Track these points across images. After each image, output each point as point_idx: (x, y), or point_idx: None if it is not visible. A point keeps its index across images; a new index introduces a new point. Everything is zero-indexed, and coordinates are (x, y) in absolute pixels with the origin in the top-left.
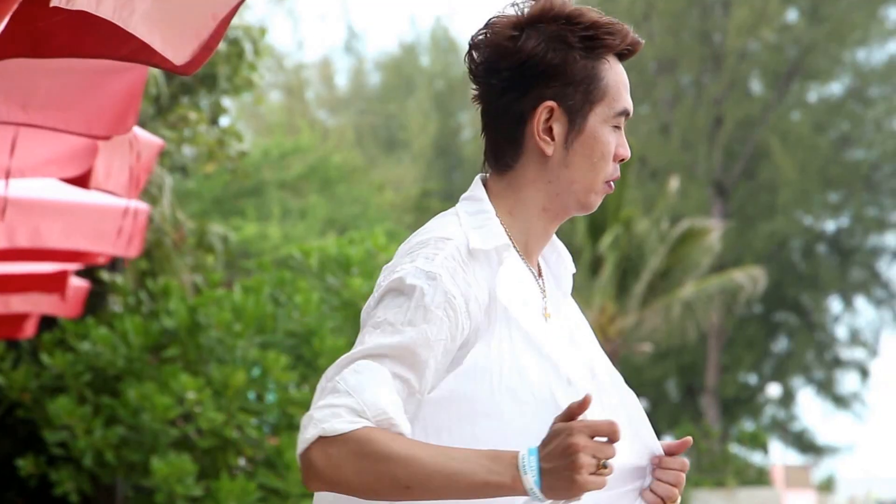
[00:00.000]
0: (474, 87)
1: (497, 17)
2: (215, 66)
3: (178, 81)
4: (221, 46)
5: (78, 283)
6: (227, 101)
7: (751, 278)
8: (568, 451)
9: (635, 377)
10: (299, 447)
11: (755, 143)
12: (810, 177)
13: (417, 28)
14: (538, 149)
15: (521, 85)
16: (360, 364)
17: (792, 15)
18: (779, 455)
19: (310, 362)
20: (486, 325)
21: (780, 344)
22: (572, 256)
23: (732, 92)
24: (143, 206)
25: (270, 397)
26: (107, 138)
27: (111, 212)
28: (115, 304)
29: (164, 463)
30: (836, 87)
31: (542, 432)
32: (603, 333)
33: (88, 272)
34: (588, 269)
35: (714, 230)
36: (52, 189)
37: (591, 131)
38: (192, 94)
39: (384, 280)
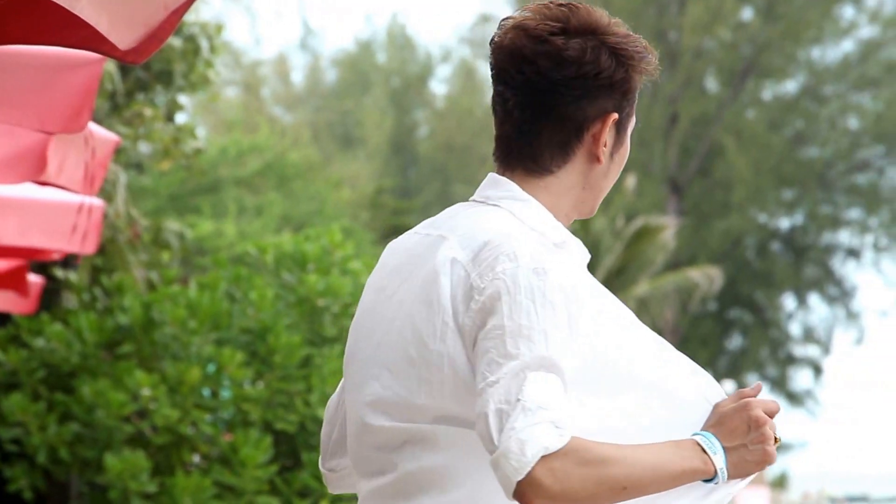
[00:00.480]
0: (514, 91)
1: (533, 22)
2: (171, 62)
3: (133, 78)
4: (177, 43)
5: (32, 280)
6: (183, 98)
7: (706, 276)
8: (756, 425)
9: None
10: (517, 472)
11: (710, 140)
12: (765, 175)
13: (374, 25)
14: (591, 156)
15: (588, 95)
16: (532, 378)
17: (747, 13)
18: None
19: (265, 359)
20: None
21: (735, 341)
22: None
23: (688, 90)
24: (97, 202)
25: (225, 394)
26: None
27: (66, 208)
28: (70, 301)
29: (118, 459)
30: (790, 86)
31: (642, 412)
32: None
33: (42, 268)
34: None
35: (669, 228)
36: (6, 186)
37: (625, 143)
38: (147, 90)
39: (482, 283)
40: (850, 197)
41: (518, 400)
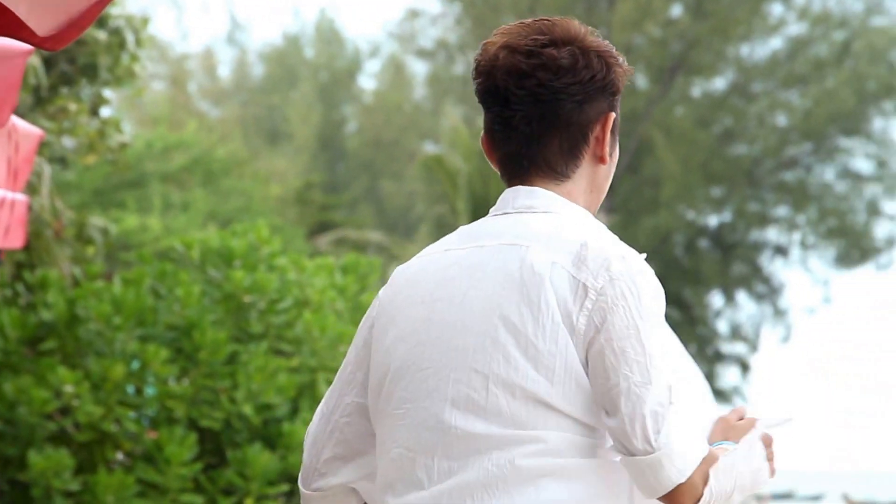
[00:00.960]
0: (518, 106)
1: (519, 39)
2: (96, 56)
3: (58, 72)
4: (102, 36)
5: None
6: (108, 92)
7: None
8: (767, 442)
9: None
10: (681, 475)
11: (639, 137)
12: (693, 172)
13: (302, 20)
14: (596, 158)
15: (587, 98)
16: (675, 381)
17: (676, 10)
18: None
19: (190, 355)
20: None
21: None
22: None
23: None
24: (21, 197)
25: (150, 391)
26: None
27: None
28: None
29: (40, 457)
30: (719, 83)
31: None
32: None
33: None
34: None
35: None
36: None
37: (617, 143)
38: (72, 84)
39: (598, 283)
40: (778, 194)
41: (671, 403)
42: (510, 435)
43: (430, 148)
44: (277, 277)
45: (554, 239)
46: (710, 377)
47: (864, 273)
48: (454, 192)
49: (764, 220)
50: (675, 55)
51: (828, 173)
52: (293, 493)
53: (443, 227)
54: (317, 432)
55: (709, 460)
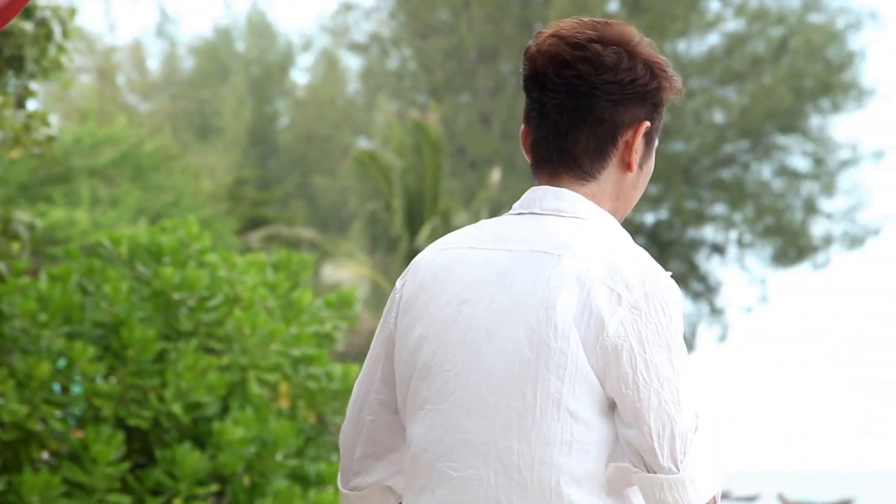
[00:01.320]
0: (553, 94)
1: (570, 31)
2: (22, 47)
3: None
4: (29, 27)
5: None
6: (35, 85)
7: None
8: None
9: None
10: (701, 498)
11: None
12: None
13: (233, 12)
14: (623, 164)
15: (623, 100)
16: (703, 407)
17: (613, 5)
18: None
19: (118, 353)
20: None
21: None
22: (391, 248)
23: None
24: None
25: (76, 389)
26: None
27: None
28: None
29: None
30: None
31: None
32: None
33: None
34: (404, 261)
35: None
36: None
37: (652, 157)
38: None
39: (632, 296)
40: (715, 192)
41: (697, 429)
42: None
43: (363, 143)
44: (207, 274)
45: (587, 248)
46: None
47: (801, 272)
48: (388, 188)
49: (701, 218)
50: None
51: (765, 171)
52: (223, 494)
53: (376, 224)
54: (348, 431)
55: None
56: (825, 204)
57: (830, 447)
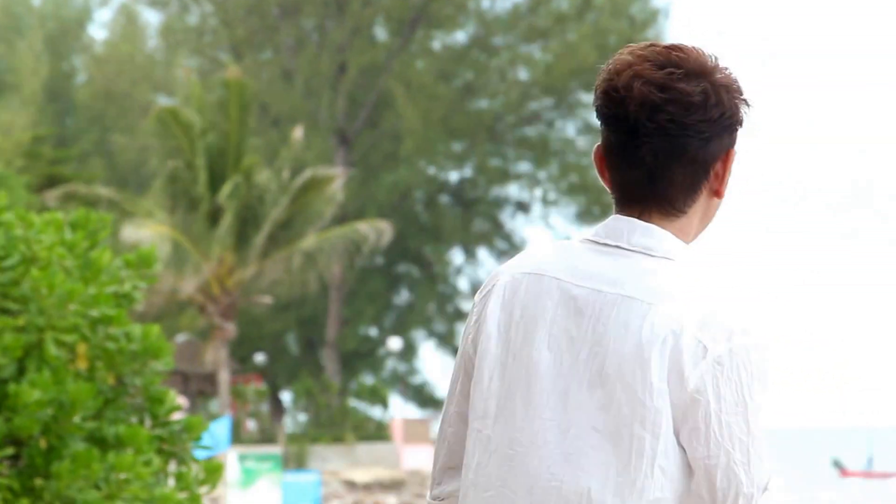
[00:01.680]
0: (646, 138)
1: (652, 70)
2: None
3: None
4: None
5: None
6: None
7: (375, 230)
8: None
9: (254, 330)
10: None
11: (379, 91)
12: (434, 126)
13: None
14: (712, 192)
15: (714, 135)
16: (769, 469)
17: None
18: (399, 409)
19: None
20: None
21: (402, 296)
22: (192, 207)
23: (356, 38)
24: None
25: None
26: None
27: None
28: None
29: None
30: (460, 36)
31: None
32: (221, 286)
33: None
34: (207, 220)
35: (337, 178)
36: None
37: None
38: None
39: (717, 350)
40: (519, 150)
41: (765, 490)
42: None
43: (163, 101)
44: (2, 233)
45: (679, 297)
46: (449, 336)
47: None
48: (189, 147)
49: (505, 176)
50: (415, 6)
51: (569, 129)
52: (18, 457)
53: (177, 182)
54: (436, 439)
55: None
56: None
57: None
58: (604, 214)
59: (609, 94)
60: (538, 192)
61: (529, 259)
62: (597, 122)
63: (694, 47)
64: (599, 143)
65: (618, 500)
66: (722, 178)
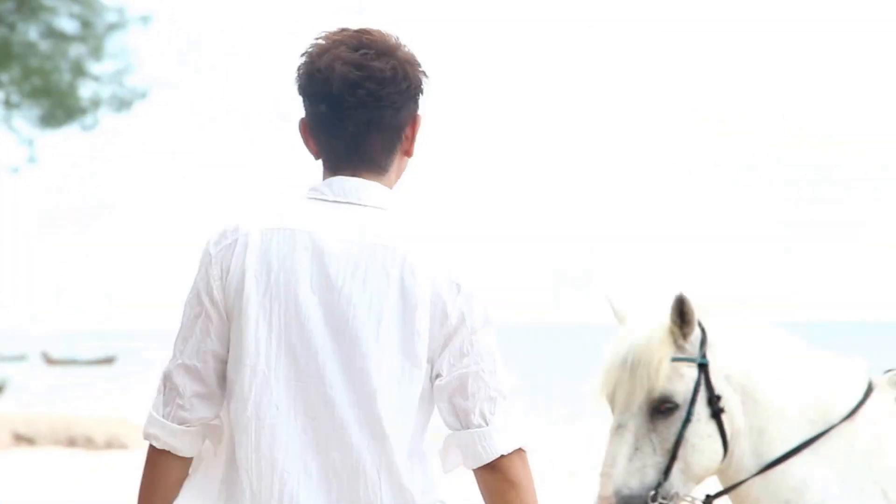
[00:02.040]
0: (349, 111)
1: (349, 52)
2: None
3: None
4: None
5: None
6: None
7: None
8: None
9: None
10: (508, 446)
11: None
12: None
13: None
14: (405, 152)
15: (405, 104)
16: (510, 384)
17: None
18: None
19: None
20: None
21: None
22: None
23: None
24: None
25: None
26: None
27: None
28: None
29: None
30: None
31: None
32: None
33: None
34: None
35: None
36: None
37: None
38: None
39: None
40: None
41: (505, 397)
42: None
43: None
44: None
45: (425, 244)
46: None
47: (70, 133)
48: None
49: None
50: None
51: (32, 32)
52: None
53: None
54: (173, 372)
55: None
56: (93, 67)
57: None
58: (68, 118)
59: (313, 75)
60: (0, 95)
61: (273, 215)
62: (60, 25)
63: (378, 30)
64: (303, 116)
65: (397, 420)
66: (411, 140)
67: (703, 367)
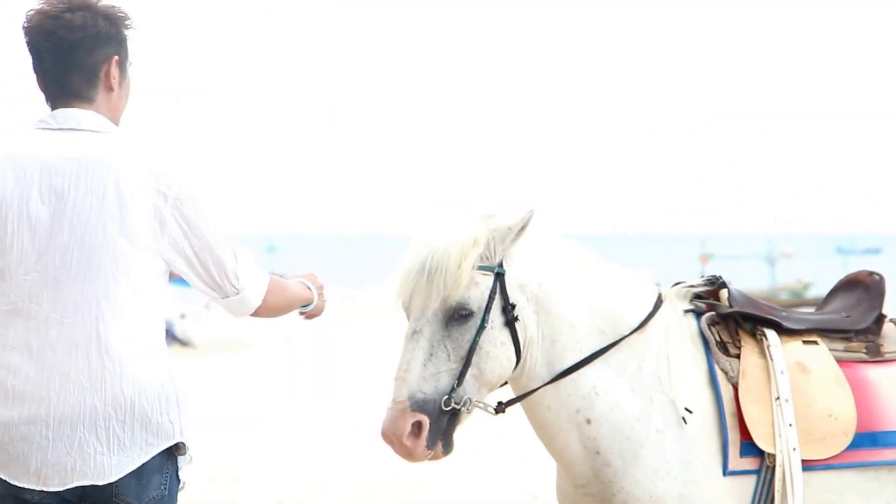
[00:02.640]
0: (46, 54)
1: (50, 8)
2: None
3: None
4: None
5: None
6: None
7: None
8: (318, 284)
9: None
10: (260, 299)
11: None
12: None
13: None
14: (108, 88)
15: (95, 47)
16: (237, 248)
17: None
18: None
19: None
20: None
21: None
22: None
23: None
24: None
25: None
26: None
27: None
28: None
29: None
30: None
31: None
32: None
33: None
34: None
35: None
36: None
37: (128, 76)
38: None
39: (171, 189)
40: None
41: (236, 259)
42: None
43: None
44: None
45: (133, 157)
46: None
47: None
48: None
49: None
50: None
51: None
52: None
53: None
54: None
55: (271, 285)
56: None
57: None
58: None
59: (23, 27)
60: None
61: (8, 144)
62: None
63: None
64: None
65: (117, 295)
66: (109, 77)
67: (499, 276)
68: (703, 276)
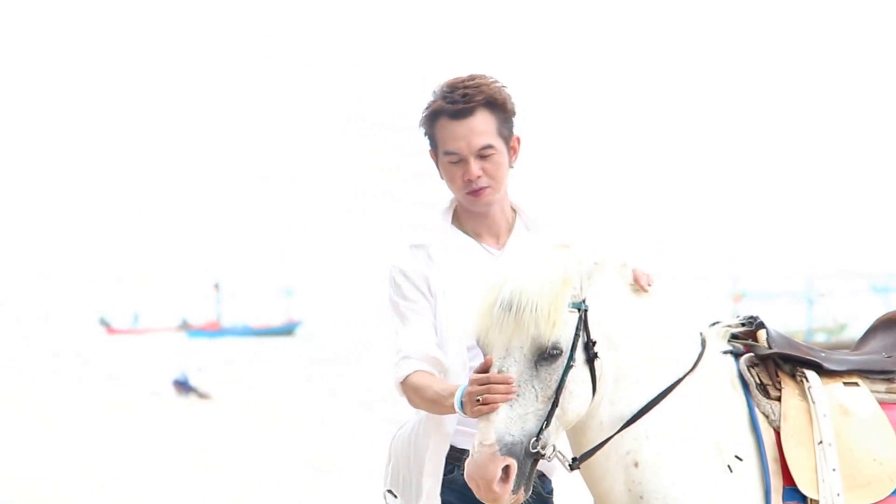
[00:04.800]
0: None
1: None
2: None
3: None
4: None
5: None
6: None
7: None
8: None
9: None
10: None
11: None
12: None
13: None
14: None
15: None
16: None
17: None
18: None
19: None
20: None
21: None
22: None
23: None
24: None
25: None
26: None
27: None
28: None
29: None
30: None
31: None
32: None
33: None
34: None
35: None
36: None
37: (441, 167)
38: None
39: None
40: None
41: (398, 351)
42: None
43: None
44: None
45: None
46: None
47: None
48: None
49: None
50: None
51: None
52: None
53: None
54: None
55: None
56: None
57: None
58: None
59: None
60: None
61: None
62: None
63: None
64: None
65: None
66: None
67: (583, 312)
68: (738, 316)
